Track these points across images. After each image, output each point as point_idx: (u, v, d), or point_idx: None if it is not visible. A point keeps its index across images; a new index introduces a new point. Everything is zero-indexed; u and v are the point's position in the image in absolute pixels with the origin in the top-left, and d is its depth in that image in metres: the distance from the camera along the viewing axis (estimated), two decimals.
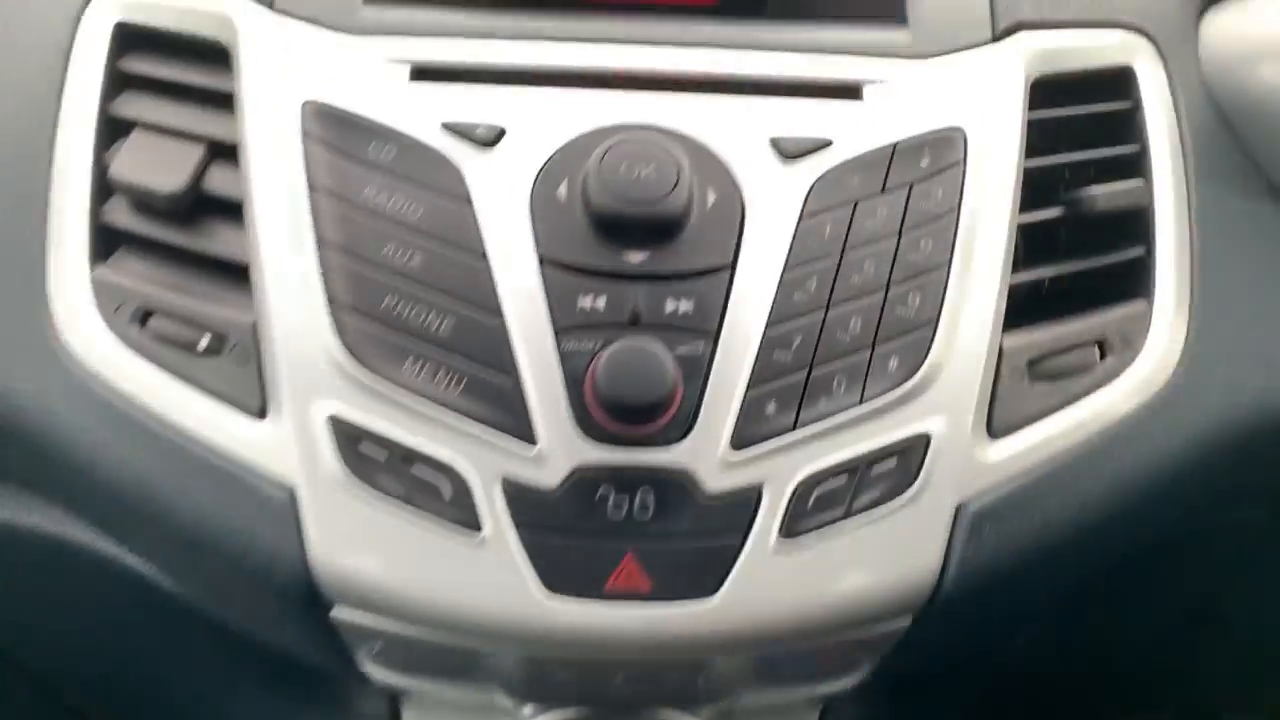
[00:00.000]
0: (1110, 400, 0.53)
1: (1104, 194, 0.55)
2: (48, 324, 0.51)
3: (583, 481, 0.47)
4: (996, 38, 0.56)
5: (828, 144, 0.52)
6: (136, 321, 0.51)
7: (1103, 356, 0.54)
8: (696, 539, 0.47)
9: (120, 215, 0.53)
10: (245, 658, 0.64)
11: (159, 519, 0.50)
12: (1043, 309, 0.54)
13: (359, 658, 0.57)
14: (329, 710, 0.68)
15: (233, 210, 0.52)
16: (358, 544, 0.48)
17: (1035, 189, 0.54)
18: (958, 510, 0.50)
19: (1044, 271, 0.54)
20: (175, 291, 0.52)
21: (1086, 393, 0.53)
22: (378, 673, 0.59)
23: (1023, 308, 0.53)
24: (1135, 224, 0.56)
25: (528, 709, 0.65)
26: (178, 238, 0.52)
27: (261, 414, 0.49)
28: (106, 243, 0.54)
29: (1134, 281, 0.56)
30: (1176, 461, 0.54)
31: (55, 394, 0.51)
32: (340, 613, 0.50)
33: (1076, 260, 0.55)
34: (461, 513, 0.47)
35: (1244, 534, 0.68)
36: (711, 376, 0.48)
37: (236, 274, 0.51)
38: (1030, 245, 0.54)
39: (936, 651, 0.59)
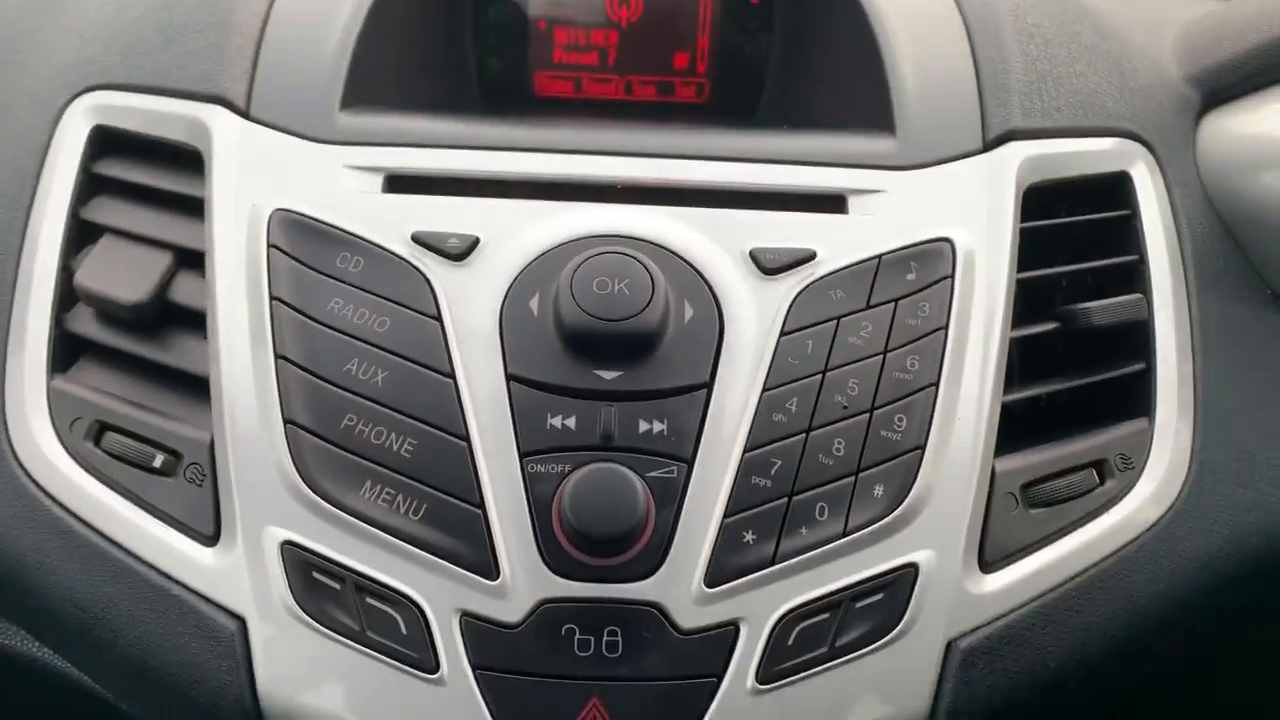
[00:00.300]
0: (1111, 526, 0.50)
1: (1100, 308, 0.53)
2: (2, 438, 0.50)
3: (547, 617, 0.45)
4: (987, 146, 0.55)
5: (810, 257, 0.50)
6: (91, 438, 0.49)
7: (1102, 479, 0.51)
8: (668, 681, 0.45)
9: (83, 323, 0.52)
10: None
11: (106, 645, 0.48)
12: (1038, 428, 0.52)
13: None
14: None
15: (196, 320, 0.50)
16: (308, 680, 0.45)
17: (1029, 301, 0.52)
18: (948, 647, 0.47)
19: (1038, 389, 0.52)
20: (133, 405, 0.50)
21: (1085, 519, 0.50)
22: None
23: (1016, 427, 0.51)
24: (1134, 338, 0.54)
25: None
26: (139, 348, 0.51)
27: (214, 539, 0.47)
28: (68, 351, 0.52)
29: (1134, 398, 0.54)
30: (1183, 589, 0.51)
31: (5, 511, 0.49)
32: None
33: (1072, 377, 0.53)
34: (417, 650, 0.44)
35: (1261, 659, 0.65)
36: (686, 503, 0.45)
37: (196, 387, 0.50)
38: (1024, 360, 0.52)
39: None
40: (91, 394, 0.50)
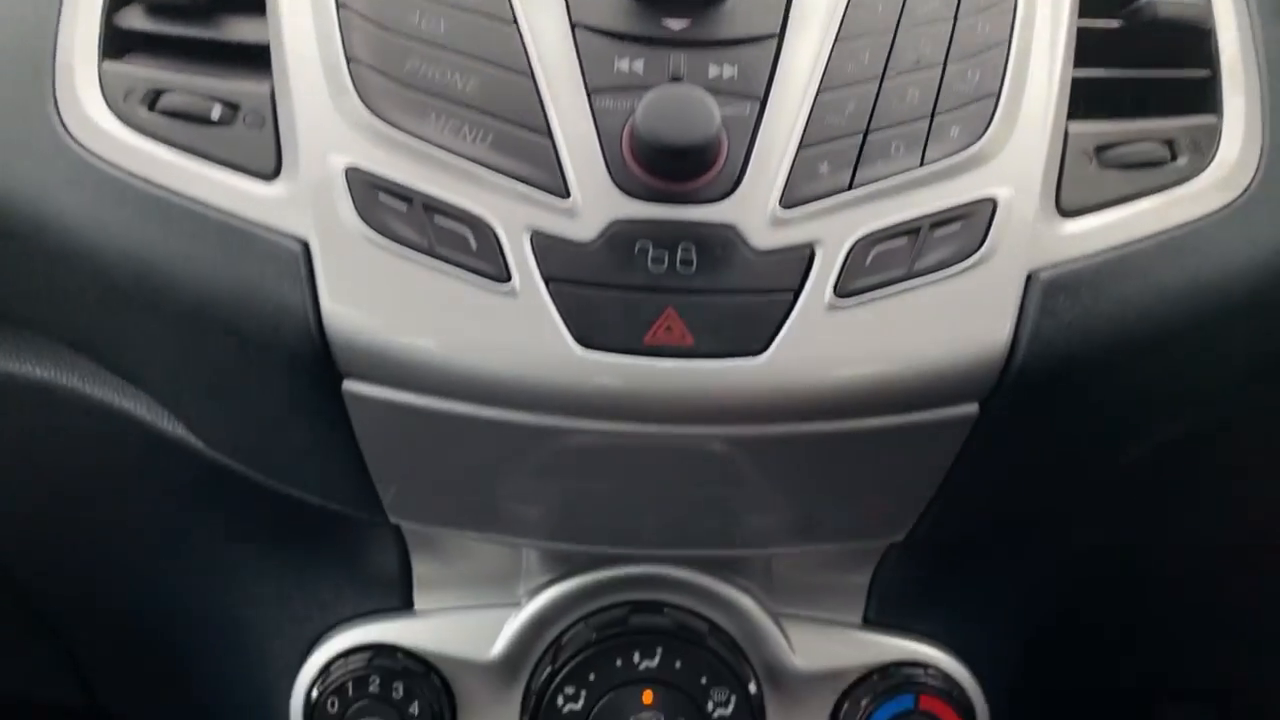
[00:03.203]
0: (1186, 197, 0.50)
1: (1164, 3, 0.52)
2: (52, 114, 0.49)
3: (619, 235, 0.43)
4: None
5: None
6: (145, 104, 0.49)
7: (1174, 156, 0.51)
8: (744, 295, 0.43)
9: (135, 19, 0.51)
10: (247, 508, 0.59)
11: (161, 290, 0.46)
12: (1107, 109, 0.51)
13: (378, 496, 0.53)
14: (337, 568, 0.63)
15: (249, 6, 0.50)
16: (373, 296, 0.44)
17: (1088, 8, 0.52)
18: (1029, 278, 0.46)
19: (1105, 72, 0.51)
20: (188, 74, 0.49)
21: (1160, 187, 0.50)
22: (392, 513, 0.54)
23: (1086, 106, 0.50)
24: (1197, 45, 0.54)
25: (531, 583, 0.61)
26: (194, 31, 0.50)
27: (275, 175, 0.46)
28: (119, 46, 0.51)
29: (1199, 98, 0.53)
30: (1256, 273, 0.50)
31: (56, 181, 0.48)
32: (352, 386, 0.46)
33: (1139, 68, 0.52)
34: (488, 263, 0.43)
35: None
36: (759, 136, 0.45)
37: (253, 56, 0.49)
38: (1084, 56, 0.51)
39: (998, 485, 0.54)
40: (145, 71, 0.50)
